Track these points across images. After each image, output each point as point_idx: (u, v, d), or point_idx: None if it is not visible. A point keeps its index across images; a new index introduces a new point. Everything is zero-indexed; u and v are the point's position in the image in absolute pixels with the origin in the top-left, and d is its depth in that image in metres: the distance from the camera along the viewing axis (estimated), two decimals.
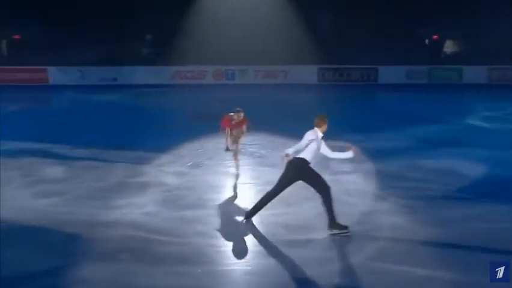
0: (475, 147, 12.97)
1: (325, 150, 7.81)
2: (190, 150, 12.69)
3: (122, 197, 9.23)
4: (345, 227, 7.61)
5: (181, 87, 27.30)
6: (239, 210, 8.78)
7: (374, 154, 12.33)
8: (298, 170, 7.64)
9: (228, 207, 9.03)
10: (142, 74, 28.73)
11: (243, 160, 11.67)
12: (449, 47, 34.62)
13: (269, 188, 9.75)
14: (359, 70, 30.10)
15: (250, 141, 12.18)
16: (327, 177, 10.22)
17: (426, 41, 34.26)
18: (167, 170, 11.01)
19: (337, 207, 8.61)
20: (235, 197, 9.58)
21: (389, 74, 29.63)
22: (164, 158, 11.91)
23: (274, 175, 10.59)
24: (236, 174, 10.68)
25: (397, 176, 10.46)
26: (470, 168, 11.03)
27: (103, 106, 21.25)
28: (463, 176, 10.45)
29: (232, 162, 11.01)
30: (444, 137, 14.47)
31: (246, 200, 9.33)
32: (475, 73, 29.69)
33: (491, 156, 12.13)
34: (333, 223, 7.61)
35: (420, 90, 26.37)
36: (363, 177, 10.29)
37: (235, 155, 10.85)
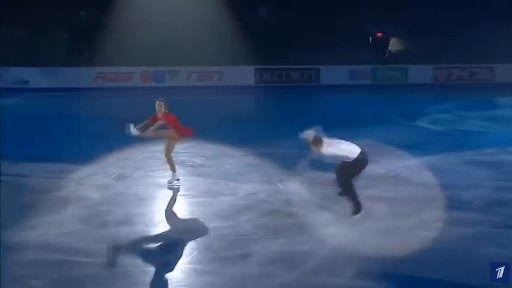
0: (422, 151, 13.35)
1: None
2: (115, 160, 12.43)
3: (36, 215, 8.89)
4: None
5: (104, 91, 26.77)
6: (170, 226, 8.66)
7: (315, 161, 12.47)
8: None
9: (158, 222, 8.89)
10: (59, 76, 27.99)
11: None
12: (394, 45, 35.62)
13: (204, 199, 9.74)
14: (299, 70, 30.55)
15: (181, 149, 12.06)
16: (266, 186, 10.38)
17: (370, 38, 35.14)
18: (89, 183, 10.72)
19: (277, 219, 8.67)
20: (166, 211, 9.43)
21: (331, 74, 30.22)
22: (86, 169, 11.59)
23: (209, 185, 10.59)
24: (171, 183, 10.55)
25: None
26: (418, 173, 11.34)
27: (12, 113, 20.49)
28: (410, 182, 10.71)
29: (163, 172, 10.86)
30: (390, 140, 14.84)
31: (179, 213, 9.22)
32: (420, 73, 30.76)
33: (438, 160, 12.52)
34: None
35: (364, 91, 27.02)
36: (305, 185, 10.37)
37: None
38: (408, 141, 14.60)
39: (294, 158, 12.85)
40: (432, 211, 9.04)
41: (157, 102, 10.32)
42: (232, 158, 12.61)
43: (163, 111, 10.26)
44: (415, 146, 13.98)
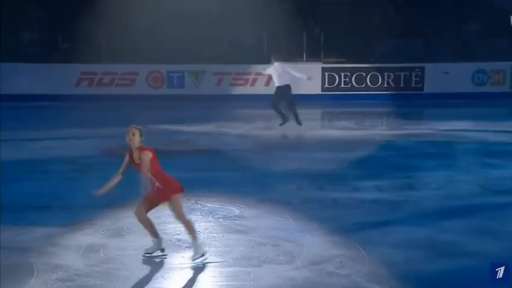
0: None
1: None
2: (106, 208, 12.42)
3: None
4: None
5: (96, 100, 27.02)
6: None
7: None
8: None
9: None
10: (21, 77, 28.28)
11: (198, 225, 11.50)
12: None
13: (244, 268, 9.67)
14: (393, 71, 30.07)
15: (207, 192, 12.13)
16: (339, 250, 10.27)
17: None
18: (65, 243, 10.72)
19: None
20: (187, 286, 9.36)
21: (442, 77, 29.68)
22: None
23: (251, 247, 10.44)
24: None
25: None
26: None
27: None
28: None
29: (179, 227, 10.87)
30: None
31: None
32: None
33: None
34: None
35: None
36: None
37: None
38: None
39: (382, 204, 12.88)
40: None
41: (129, 129, 10.00)
42: (286, 206, 12.59)
43: (137, 144, 9.93)
44: None
